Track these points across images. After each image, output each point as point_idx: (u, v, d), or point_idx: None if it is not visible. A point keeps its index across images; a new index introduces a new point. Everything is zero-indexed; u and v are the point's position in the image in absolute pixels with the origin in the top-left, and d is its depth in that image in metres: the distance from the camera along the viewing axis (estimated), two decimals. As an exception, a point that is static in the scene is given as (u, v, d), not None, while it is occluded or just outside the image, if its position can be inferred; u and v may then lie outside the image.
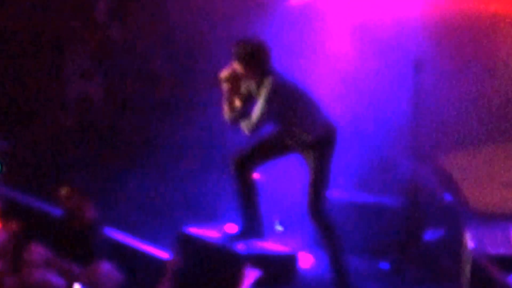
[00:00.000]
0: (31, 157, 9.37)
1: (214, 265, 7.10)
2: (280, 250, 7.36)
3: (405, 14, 8.57)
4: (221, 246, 7.16)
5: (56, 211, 7.88)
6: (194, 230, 7.50)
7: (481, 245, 6.82)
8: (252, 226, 7.25)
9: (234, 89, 7.10)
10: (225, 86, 7.12)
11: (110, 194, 8.75)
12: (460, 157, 8.53)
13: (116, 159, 9.39)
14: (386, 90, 8.60)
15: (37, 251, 7.12)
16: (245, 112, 7.04)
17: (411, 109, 8.07)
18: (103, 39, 9.95)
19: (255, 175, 7.30)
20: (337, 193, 8.15)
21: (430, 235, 8.11)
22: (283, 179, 8.42)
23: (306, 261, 7.69)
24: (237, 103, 7.11)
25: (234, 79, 7.08)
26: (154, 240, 8.04)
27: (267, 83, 6.93)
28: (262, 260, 7.08)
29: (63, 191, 7.48)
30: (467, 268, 6.77)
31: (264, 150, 7.26)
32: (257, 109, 6.96)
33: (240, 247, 7.09)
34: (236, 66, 7.05)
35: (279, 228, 8.28)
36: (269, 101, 6.91)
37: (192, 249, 7.44)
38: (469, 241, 6.90)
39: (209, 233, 7.40)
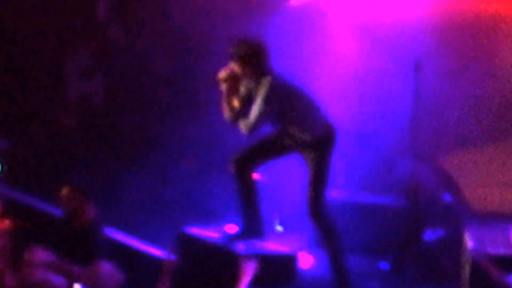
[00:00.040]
0: (31, 157, 9.37)
1: (214, 265, 7.10)
2: (280, 250, 7.37)
3: (406, 14, 8.57)
4: (221, 246, 7.16)
5: (57, 211, 7.88)
6: (194, 230, 7.51)
7: (480, 245, 6.82)
8: (253, 226, 7.25)
9: (233, 89, 7.11)
10: (223, 87, 7.14)
11: (110, 194, 8.75)
12: (460, 157, 8.53)
13: (117, 159, 9.40)
14: (387, 90, 8.60)
15: (38, 252, 7.12)
16: (245, 112, 7.05)
17: (411, 109, 8.07)
18: (103, 39, 9.95)
19: (255, 175, 7.31)
20: (337, 193, 8.16)
21: (430, 235, 8.11)
22: (283, 179, 8.43)
23: (306, 261, 7.70)
24: (236, 103, 7.12)
25: (233, 79, 7.09)
26: (154, 240, 8.04)
27: (265, 83, 6.94)
28: (262, 260, 7.08)
29: (64, 191, 7.48)
30: (467, 268, 6.76)
31: (264, 150, 7.26)
32: (255, 109, 6.97)
33: (240, 247, 7.09)
34: (234, 67, 7.06)
35: (279, 228, 8.28)
36: (266, 101, 6.91)
37: (192, 249, 7.44)
38: (469, 241, 6.90)
39: (209, 233, 7.40)
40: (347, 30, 8.75)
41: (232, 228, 7.39)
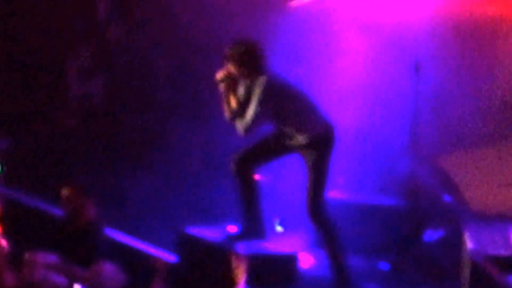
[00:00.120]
0: (32, 157, 9.37)
1: (214, 265, 7.11)
2: (281, 250, 7.38)
3: (407, 16, 8.58)
4: (222, 246, 7.17)
5: (58, 212, 7.88)
6: (195, 231, 7.52)
7: (480, 246, 6.82)
8: (253, 227, 7.26)
9: (230, 90, 7.13)
10: (221, 87, 7.16)
11: (111, 193, 8.75)
12: (460, 158, 8.54)
13: (117, 159, 9.39)
14: (387, 90, 8.60)
15: (38, 252, 7.12)
16: (242, 112, 7.06)
17: (411, 110, 8.09)
18: (104, 38, 9.95)
19: (256, 175, 7.32)
20: (337, 193, 8.17)
21: (430, 235, 8.12)
22: (283, 179, 8.44)
23: (306, 261, 7.71)
24: (233, 104, 7.13)
25: (230, 80, 7.11)
26: (155, 240, 8.04)
27: (260, 83, 6.95)
28: (263, 261, 7.10)
29: (65, 191, 7.48)
30: (467, 269, 6.77)
31: (265, 150, 7.27)
32: (250, 109, 6.98)
33: (241, 247, 7.10)
34: (231, 67, 7.08)
35: (279, 228, 8.29)
36: (262, 101, 6.92)
37: (193, 249, 7.46)
38: (469, 242, 6.91)
39: (210, 233, 7.41)
40: (349, 31, 8.75)
41: (232, 228, 7.40)
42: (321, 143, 7.08)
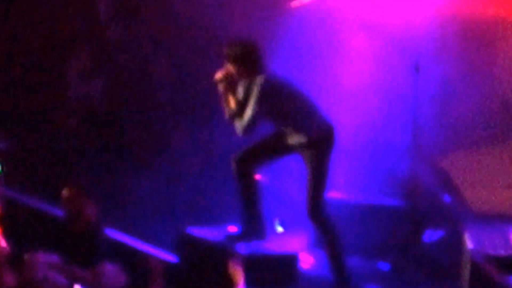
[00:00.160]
0: (32, 157, 9.36)
1: (215, 265, 7.11)
2: (281, 250, 7.38)
3: (408, 16, 8.58)
4: (222, 246, 7.17)
5: (58, 212, 7.88)
6: (195, 231, 7.52)
7: (480, 246, 6.83)
8: (254, 227, 7.26)
9: (229, 90, 7.13)
10: (220, 87, 7.16)
11: (111, 194, 8.75)
12: (460, 158, 8.55)
13: (118, 159, 9.39)
14: (387, 90, 8.60)
15: (39, 252, 7.12)
16: (241, 112, 7.06)
17: (412, 110, 8.09)
18: (104, 39, 9.95)
19: (257, 176, 7.32)
20: (337, 193, 8.17)
21: (430, 235, 8.13)
22: (283, 179, 8.44)
23: (306, 261, 7.71)
24: (232, 104, 7.13)
25: (229, 80, 7.11)
26: (156, 241, 8.04)
27: (258, 82, 6.95)
28: (263, 261, 7.11)
29: (65, 192, 7.48)
30: (467, 269, 6.78)
31: (265, 150, 7.27)
32: (249, 109, 6.98)
33: (241, 247, 7.10)
34: (229, 67, 7.08)
35: (279, 228, 8.29)
36: (260, 101, 6.92)
37: (194, 249, 7.46)
38: (469, 242, 6.91)
39: (210, 234, 7.41)
40: (350, 31, 8.75)
41: (233, 229, 7.40)
42: (321, 143, 7.08)
